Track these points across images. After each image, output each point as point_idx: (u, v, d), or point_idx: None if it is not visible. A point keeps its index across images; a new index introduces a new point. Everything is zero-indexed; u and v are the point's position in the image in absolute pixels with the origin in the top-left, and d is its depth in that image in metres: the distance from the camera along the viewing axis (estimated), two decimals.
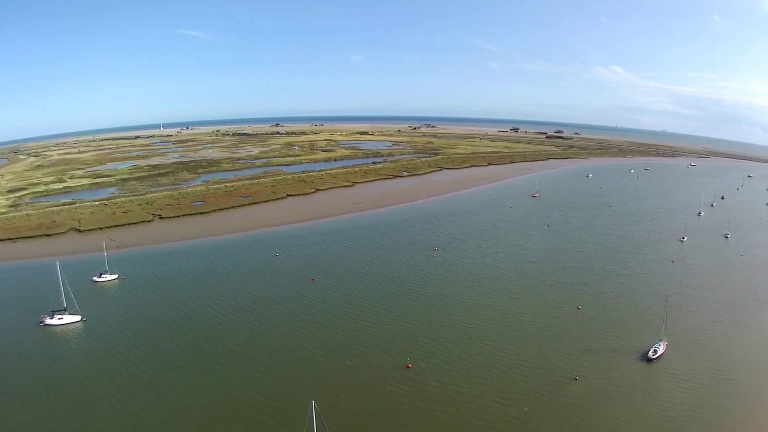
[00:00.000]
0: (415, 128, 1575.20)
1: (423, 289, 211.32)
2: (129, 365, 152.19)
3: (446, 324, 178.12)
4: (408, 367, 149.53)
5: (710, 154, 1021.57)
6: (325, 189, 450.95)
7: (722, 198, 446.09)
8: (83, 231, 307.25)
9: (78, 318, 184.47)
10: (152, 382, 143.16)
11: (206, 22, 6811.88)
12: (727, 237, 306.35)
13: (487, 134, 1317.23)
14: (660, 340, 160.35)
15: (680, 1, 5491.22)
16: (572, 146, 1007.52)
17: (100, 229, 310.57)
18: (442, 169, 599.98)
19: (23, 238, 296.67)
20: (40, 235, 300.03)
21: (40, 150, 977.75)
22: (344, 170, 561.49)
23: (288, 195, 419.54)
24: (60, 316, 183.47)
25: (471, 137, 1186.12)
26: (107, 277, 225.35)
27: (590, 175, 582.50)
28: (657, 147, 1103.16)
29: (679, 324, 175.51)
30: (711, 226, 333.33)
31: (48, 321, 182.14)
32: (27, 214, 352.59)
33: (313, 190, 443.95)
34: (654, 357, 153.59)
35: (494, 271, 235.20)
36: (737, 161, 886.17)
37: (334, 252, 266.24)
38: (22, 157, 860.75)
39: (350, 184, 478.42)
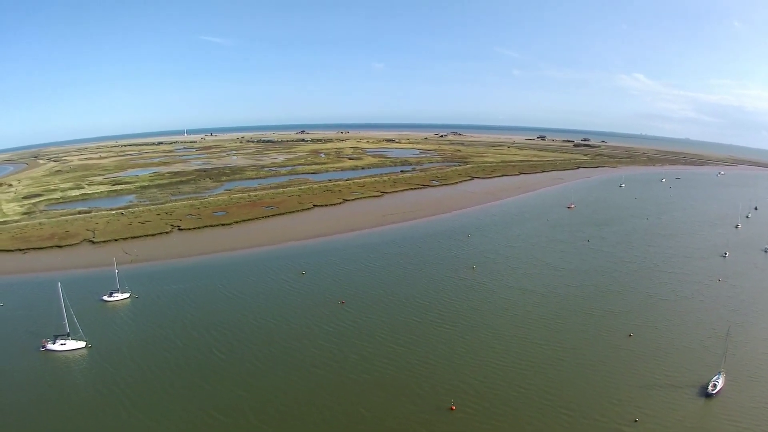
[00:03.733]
0: (441, 136, 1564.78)
1: (456, 319, 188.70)
2: (128, 404, 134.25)
3: (482, 363, 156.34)
4: (452, 409, 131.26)
5: (737, 162, 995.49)
6: (354, 199, 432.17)
7: (756, 208, 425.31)
8: (97, 242, 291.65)
9: (82, 344, 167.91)
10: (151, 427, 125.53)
11: (228, 29, 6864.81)
12: (767, 251, 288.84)
13: (514, 142, 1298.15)
14: (719, 372, 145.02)
15: (701, 8, 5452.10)
16: (601, 154, 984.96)
17: (115, 240, 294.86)
18: (473, 178, 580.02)
19: (34, 249, 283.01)
20: (51, 246, 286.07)
21: (60, 155, 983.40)
22: (372, 179, 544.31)
23: (314, 206, 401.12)
24: (62, 342, 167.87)
25: (498, 145, 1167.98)
26: (118, 296, 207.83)
27: (623, 185, 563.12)
28: (684, 155, 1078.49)
29: (732, 355, 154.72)
30: (750, 240, 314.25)
31: (50, 346, 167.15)
32: (40, 223, 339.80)
33: (341, 200, 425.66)
34: (713, 392, 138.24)
35: (532, 297, 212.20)
36: (763, 169, 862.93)
37: (365, 270, 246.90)
38: (41, 161, 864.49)
39: (379, 194, 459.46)
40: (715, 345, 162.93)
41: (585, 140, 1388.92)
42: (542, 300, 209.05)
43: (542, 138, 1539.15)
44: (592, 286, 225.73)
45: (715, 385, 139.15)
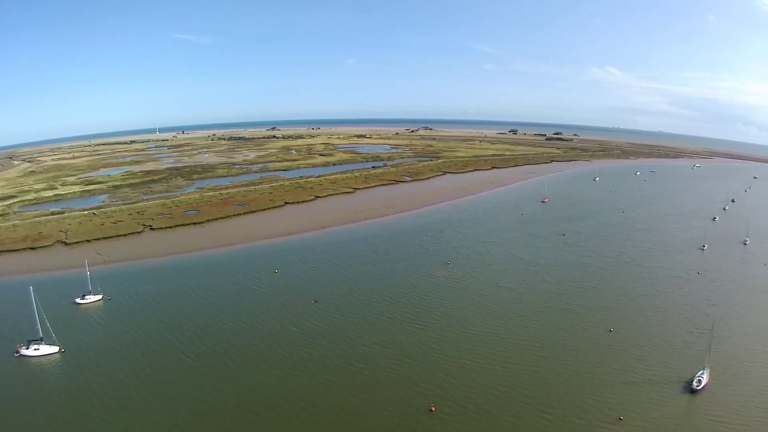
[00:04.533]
0: (412, 131, 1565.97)
1: (431, 318, 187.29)
2: (98, 413, 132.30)
3: (458, 363, 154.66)
4: (431, 410, 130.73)
5: (711, 154, 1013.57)
6: (325, 196, 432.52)
7: (732, 201, 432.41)
8: (70, 244, 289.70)
9: (55, 349, 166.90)
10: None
11: (201, 27, 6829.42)
12: (746, 244, 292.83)
13: (486, 137, 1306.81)
14: (704, 368, 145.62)
15: (675, 0, 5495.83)
16: (574, 148, 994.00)
17: (88, 241, 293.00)
18: (445, 173, 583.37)
19: (7, 251, 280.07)
20: (24, 249, 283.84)
21: (35, 155, 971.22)
22: (344, 175, 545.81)
23: (286, 203, 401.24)
24: (36, 347, 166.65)
25: (470, 140, 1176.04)
26: (90, 299, 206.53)
27: (597, 179, 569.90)
28: (658, 148, 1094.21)
29: (715, 350, 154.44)
30: (729, 232, 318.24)
31: (23, 351, 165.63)
32: (13, 225, 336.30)
33: (313, 197, 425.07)
34: (698, 388, 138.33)
35: (507, 294, 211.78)
36: (739, 162, 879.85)
37: (338, 268, 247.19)
38: (16, 162, 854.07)
39: (351, 190, 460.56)
40: (696, 340, 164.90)
41: (557, 134, 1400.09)
42: (518, 297, 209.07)
43: (514, 132, 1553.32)
44: (568, 282, 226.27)
45: (699, 381, 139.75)
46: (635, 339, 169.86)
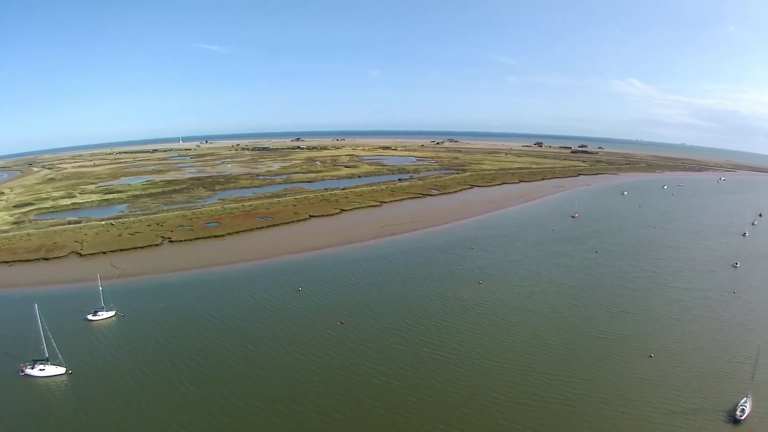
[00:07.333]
0: (438, 143, 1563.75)
1: (456, 347, 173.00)
2: None
3: (487, 399, 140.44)
4: None
5: (735, 167, 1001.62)
6: (351, 209, 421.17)
7: (760, 215, 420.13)
8: (85, 255, 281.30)
9: (62, 370, 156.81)
10: None
11: (223, 37, 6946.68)
12: None
13: (511, 149, 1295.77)
14: (746, 397, 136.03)
15: (696, 12, 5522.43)
16: (600, 161, 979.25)
17: (103, 253, 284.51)
18: (473, 186, 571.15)
19: (20, 261, 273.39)
20: (38, 259, 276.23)
21: (55, 162, 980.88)
22: (370, 188, 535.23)
23: (311, 216, 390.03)
24: (42, 367, 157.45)
25: (496, 152, 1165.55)
26: (103, 315, 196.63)
27: (625, 193, 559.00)
28: (683, 161, 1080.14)
29: (756, 378, 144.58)
30: (760, 249, 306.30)
31: (28, 371, 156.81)
32: (28, 234, 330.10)
33: (338, 210, 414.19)
34: (742, 417, 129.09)
35: (538, 319, 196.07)
36: (763, 175, 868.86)
37: (365, 286, 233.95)
38: (36, 169, 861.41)
39: (377, 203, 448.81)
40: (735, 368, 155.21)
41: (582, 147, 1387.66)
42: (548, 323, 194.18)
43: (539, 145, 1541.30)
44: (600, 306, 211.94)
45: (743, 410, 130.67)
46: (673, 368, 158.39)
